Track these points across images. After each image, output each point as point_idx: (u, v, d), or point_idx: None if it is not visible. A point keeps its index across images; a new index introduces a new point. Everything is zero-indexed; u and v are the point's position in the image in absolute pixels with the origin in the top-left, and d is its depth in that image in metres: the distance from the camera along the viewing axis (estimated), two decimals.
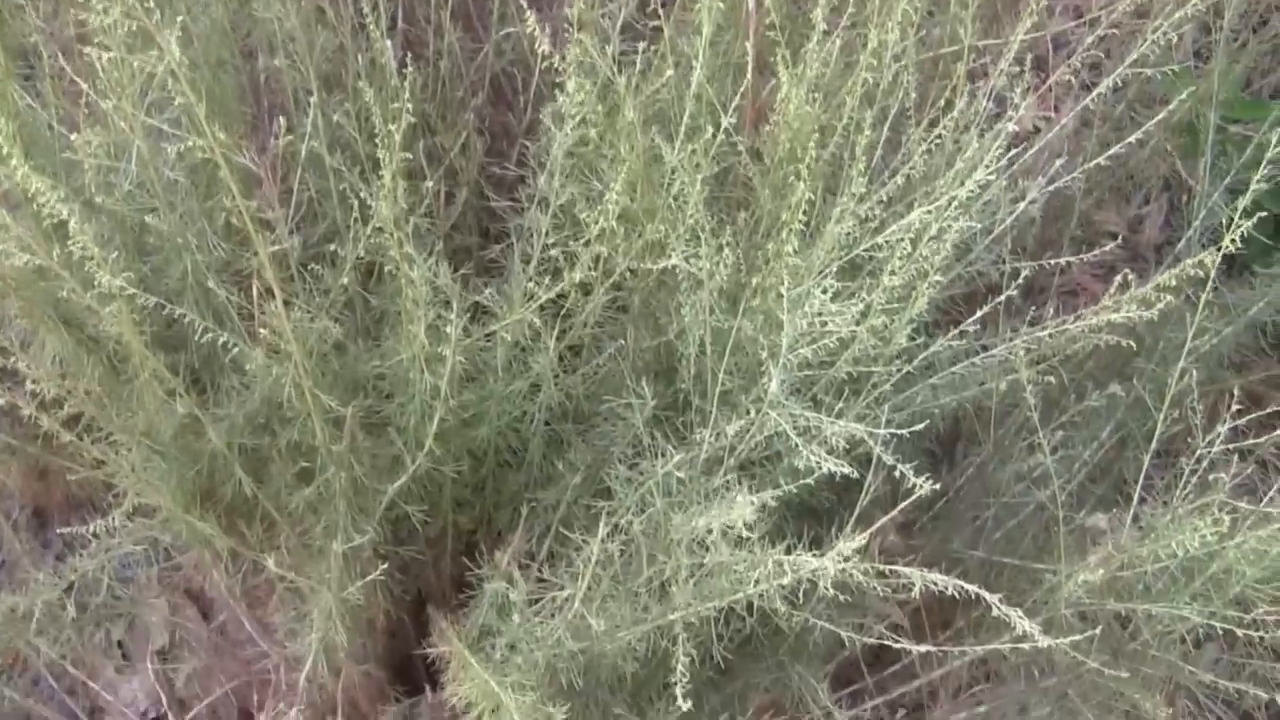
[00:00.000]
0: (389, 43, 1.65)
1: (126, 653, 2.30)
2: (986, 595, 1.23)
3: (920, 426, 1.42)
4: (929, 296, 1.44)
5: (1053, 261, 1.70)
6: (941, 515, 2.00)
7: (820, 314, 1.36)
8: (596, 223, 1.44)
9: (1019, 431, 1.94)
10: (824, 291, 1.35)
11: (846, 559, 1.26)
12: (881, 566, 1.31)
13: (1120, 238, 1.95)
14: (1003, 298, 1.52)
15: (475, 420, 1.63)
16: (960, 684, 1.95)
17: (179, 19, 1.32)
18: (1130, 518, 1.63)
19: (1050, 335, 1.58)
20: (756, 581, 1.34)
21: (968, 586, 1.25)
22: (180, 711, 2.12)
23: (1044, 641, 1.27)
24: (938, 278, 1.42)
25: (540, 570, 1.60)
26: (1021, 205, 1.65)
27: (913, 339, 1.50)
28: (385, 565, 1.59)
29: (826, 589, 1.30)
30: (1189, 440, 1.61)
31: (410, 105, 1.34)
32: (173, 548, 2.15)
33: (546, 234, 1.58)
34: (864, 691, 1.98)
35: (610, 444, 1.62)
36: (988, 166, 1.42)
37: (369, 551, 1.63)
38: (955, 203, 1.44)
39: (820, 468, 1.35)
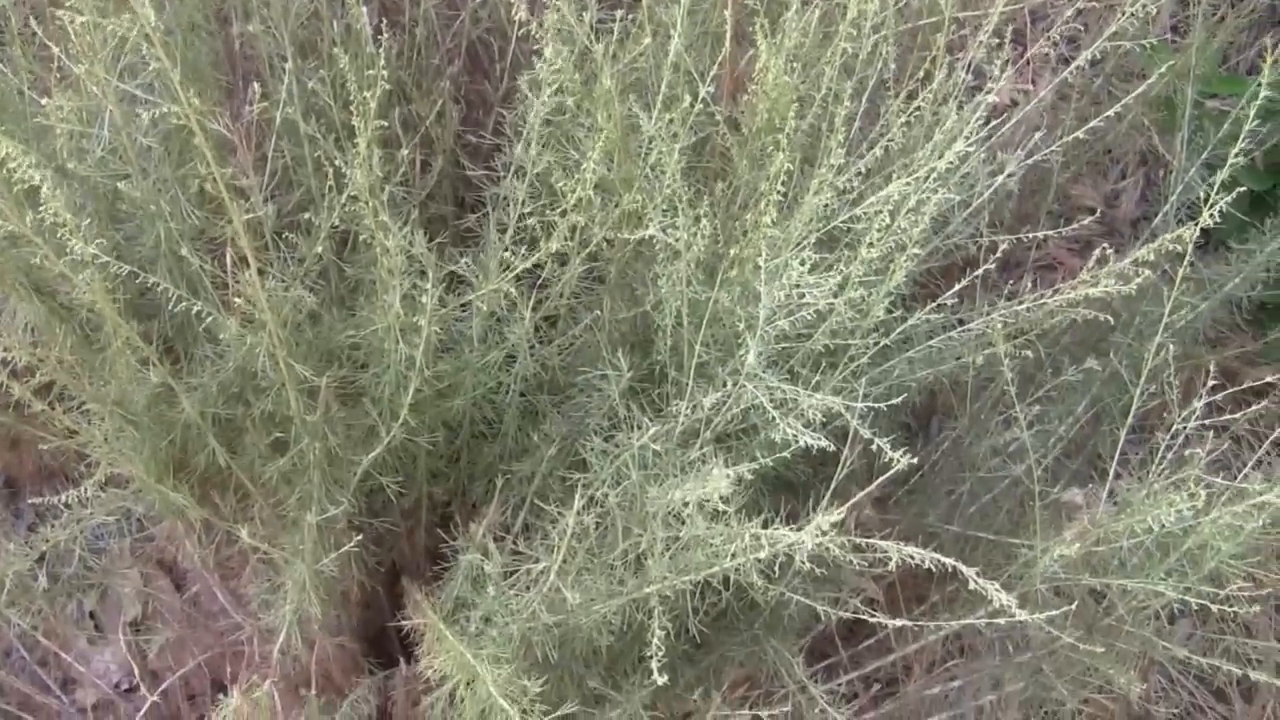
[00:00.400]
0: (364, 9, 1.64)
1: (99, 624, 2.30)
2: (963, 568, 1.23)
3: (897, 400, 1.42)
4: (907, 269, 1.43)
5: (1030, 235, 1.70)
6: (917, 490, 2.00)
7: (798, 286, 1.35)
8: (573, 192, 1.43)
9: (995, 406, 1.95)
10: (802, 263, 1.34)
11: (824, 533, 1.25)
12: (858, 540, 1.30)
13: (1097, 212, 1.95)
14: (980, 272, 1.51)
15: (450, 391, 1.62)
16: (934, 658, 1.96)
17: None
18: (1106, 493, 1.64)
19: (1027, 310, 1.58)
20: (732, 555, 1.34)
21: (945, 560, 1.24)
22: (153, 683, 2.11)
23: (1019, 616, 1.27)
24: (916, 250, 1.41)
25: (515, 543, 1.59)
26: (999, 178, 1.65)
27: (890, 312, 1.50)
28: (359, 537, 1.58)
29: (803, 563, 1.29)
30: (1164, 415, 1.62)
31: (385, 73, 1.33)
32: (145, 518, 2.13)
33: (523, 203, 1.57)
34: (838, 665, 1.99)
35: (586, 415, 1.62)
36: (966, 138, 1.41)
37: (343, 523, 1.62)
38: (934, 175, 1.43)
39: (797, 441, 1.34)
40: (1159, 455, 1.59)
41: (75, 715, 2.18)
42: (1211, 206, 1.43)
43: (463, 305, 1.55)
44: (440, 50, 1.99)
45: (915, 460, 1.29)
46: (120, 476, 1.65)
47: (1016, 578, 1.66)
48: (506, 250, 1.51)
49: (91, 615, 2.32)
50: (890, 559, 1.30)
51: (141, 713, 1.94)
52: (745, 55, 1.66)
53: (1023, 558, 1.65)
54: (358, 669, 1.89)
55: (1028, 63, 2.00)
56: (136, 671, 2.10)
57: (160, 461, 1.62)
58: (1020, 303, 1.59)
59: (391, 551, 1.88)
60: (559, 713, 1.44)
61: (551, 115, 1.55)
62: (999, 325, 1.58)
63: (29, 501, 2.34)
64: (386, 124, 1.41)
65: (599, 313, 1.65)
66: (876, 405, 1.38)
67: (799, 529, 1.28)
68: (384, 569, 1.88)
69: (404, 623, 1.69)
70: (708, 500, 1.33)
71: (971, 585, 1.26)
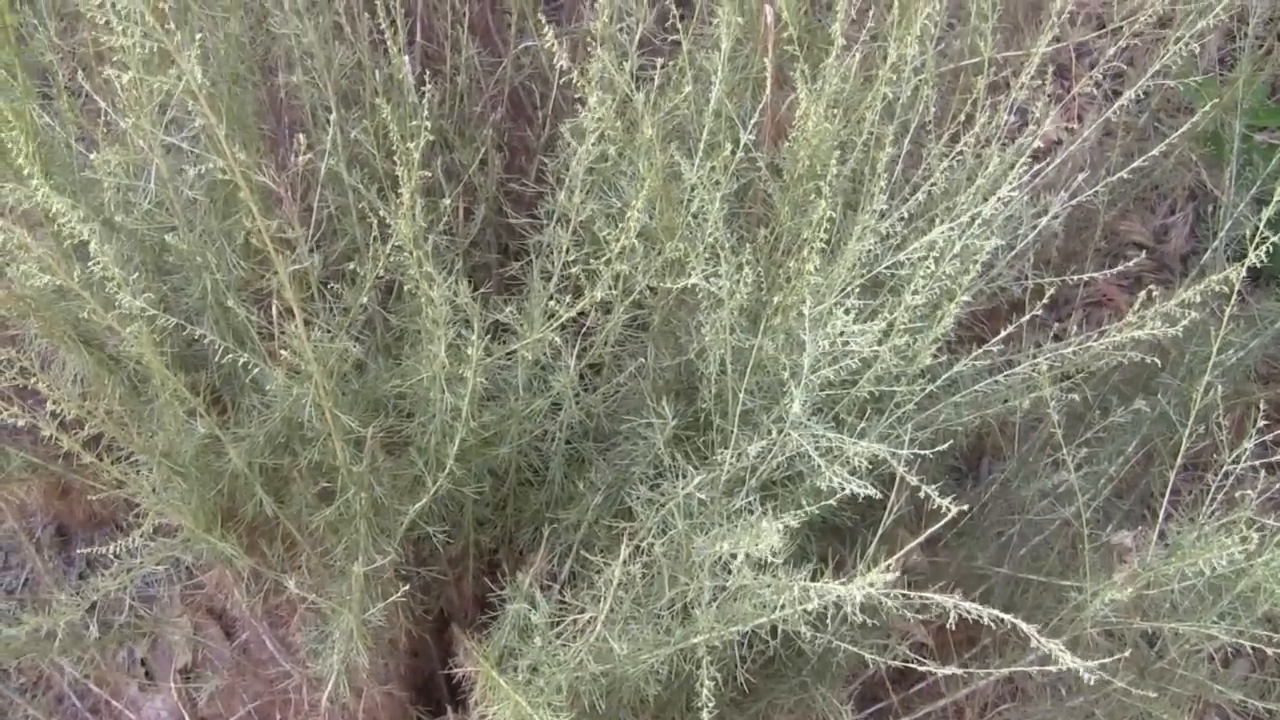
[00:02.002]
0: (406, 58, 1.65)
1: (150, 671, 2.30)
2: (1021, 624, 1.21)
3: (944, 447, 1.41)
4: (954, 316, 1.42)
5: (1076, 277, 1.69)
6: (966, 532, 1.98)
7: (842, 334, 1.35)
8: (617, 241, 1.43)
9: (1043, 447, 1.93)
10: (846, 311, 1.34)
11: (872, 585, 1.24)
12: (909, 594, 1.29)
13: (1144, 250, 1.93)
14: (1026, 318, 1.50)
15: (496, 439, 1.62)
16: (986, 702, 1.94)
17: (197, 36, 1.31)
18: (1156, 535, 1.62)
19: (1074, 353, 1.57)
20: (780, 606, 1.33)
21: (1000, 615, 1.23)
22: None
23: (1070, 664, 1.25)
24: (966, 298, 1.41)
25: (562, 593, 1.59)
26: (1044, 220, 1.64)
27: (935, 357, 1.49)
28: (406, 587, 1.58)
29: (853, 614, 1.28)
30: (1215, 456, 1.60)
31: (429, 124, 1.33)
32: (195, 566, 2.15)
33: (566, 251, 1.57)
34: (889, 710, 1.97)
35: (631, 463, 1.61)
36: (1011, 184, 1.40)
37: (390, 572, 1.63)
38: (979, 221, 1.43)
39: (843, 489, 1.34)
40: (1209, 496, 1.58)
41: None
42: (1258, 246, 1.41)
43: (508, 354, 1.55)
44: (482, 97, 2.00)
45: (965, 506, 1.28)
46: (169, 525, 1.66)
47: (1068, 621, 1.64)
48: (551, 299, 1.51)
49: (143, 662, 2.33)
50: (946, 610, 1.29)
51: None
52: (786, 100, 1.66)
53: (1073, 601, 1.64)
54: (406, 717, 1.89)
55: (1073, 99, 1.99)
56: (187, 719, 2.11)
57: (208, 511, 1.63)
58: (1067, 345, 1.57)
59: (439, 599, 1.88)
60: None
61: (594, 163, 1.55)
62: (1045, 369, 1.56)
63: (79, 551, 2.35)
64: (430, 174, 1.41)
65: (643, 360, 1.65)
66: (923, 452, 1.38)
67: (847, 580, 1.27)
68: (432, 616, 1.88)
69: (454, 670, 1.69)
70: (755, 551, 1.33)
71: (1032, 621, 1.25)
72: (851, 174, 1.60)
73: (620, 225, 1.43)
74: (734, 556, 1.36)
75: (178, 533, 1.69)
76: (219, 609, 2.24)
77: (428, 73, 1.61)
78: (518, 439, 1.63)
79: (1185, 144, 2.26)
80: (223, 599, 2.05)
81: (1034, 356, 1.60)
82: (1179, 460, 1.60)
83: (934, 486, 1.28)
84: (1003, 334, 1.50)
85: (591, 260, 1.51)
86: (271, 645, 1.98)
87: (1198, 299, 1.46)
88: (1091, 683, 1.39)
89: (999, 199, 1.40)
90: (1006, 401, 1.64)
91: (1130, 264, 1.74)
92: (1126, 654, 1.43)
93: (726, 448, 1.48)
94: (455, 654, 1.74)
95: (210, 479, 1.62)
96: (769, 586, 1.34)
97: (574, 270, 1.53)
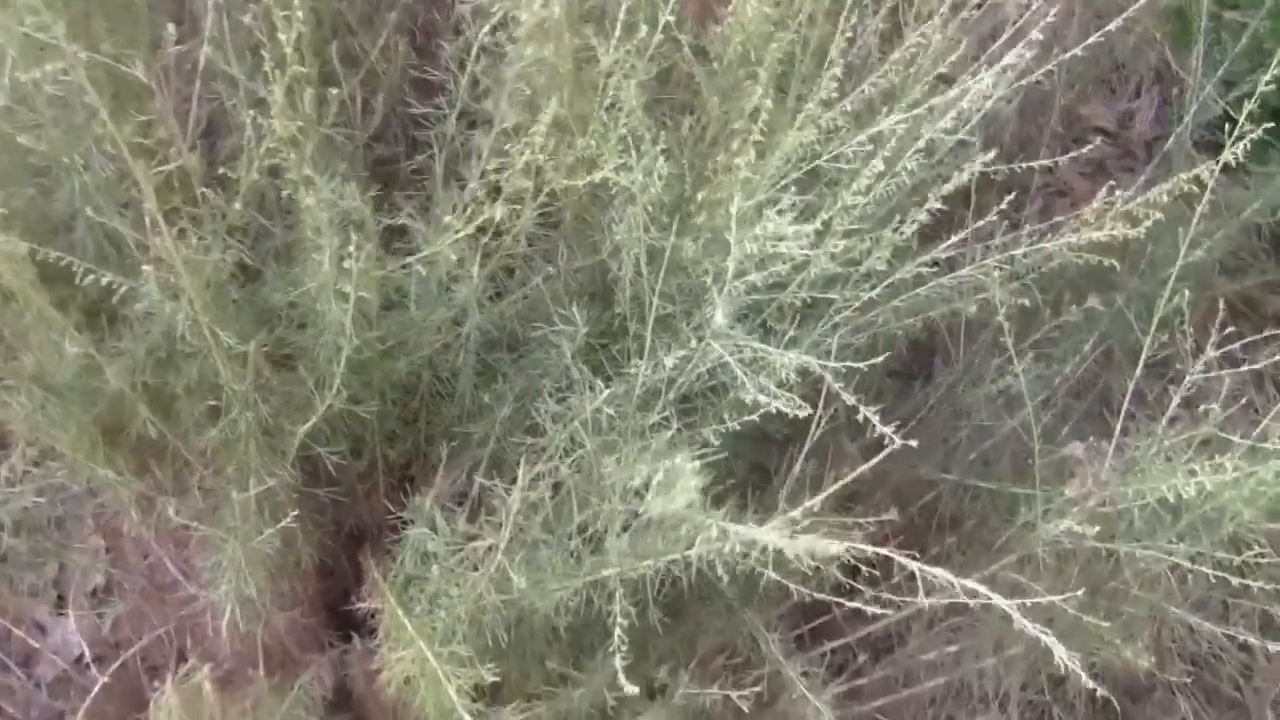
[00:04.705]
0: None
1: (62, 596, 2.19)
2: (934, 571, 1.09)
3: (879, 360, 1.29)
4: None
5: (1024, 166, 1.55)
6: (911, 436, 1.87)
7: (775, 235, 1.21)
8: (528, 145, 1.28)
9: (993, 347, 1.81)
10: (780, 211, 1.21)
11: (795, 523, 1.12)
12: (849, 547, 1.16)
13: (1108, 134, 1.81)
14: (969, 230, 1.36)
15: (395, 351, 1.49)
16: (933, 618, 1.83)
17: None
18: (1113, 446, 1.50)
19: (1025, 254, 1.44)
20: (693, 545, 1.20)
21: (921, 564, 1.11)
22: (114, 655, 2.01)
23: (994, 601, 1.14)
24: (922, 213, 1.28)
25: (472, 516, 1.46)
26: (988, 103, 1.48)
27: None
28: (295, 513, 1.45)
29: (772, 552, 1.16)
30: (1178, 364, 1.48)
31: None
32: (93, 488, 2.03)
33: (485, 158, 1.42)
34: (831, 626, 1.86)
35: (542, 374, 1.49)
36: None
37: (283, 495, 1.50)
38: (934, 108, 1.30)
39: (767, 404, 1.22)
40: (1169, 408, 1.46)
41: (34, 691, 2.08)
42: (1236, 140, 1.29)
43: (404, 265, 1.42)
44: None
45: (908, 407, 1.18)
46: (53, 449, 1.54)
47: (1017, 540, 1.54)
48: (459, 210, 1.36)
49: (56, 583, 2.21)
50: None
51: (97, 688, 1.84)
52: None
53: (1022, 518, 1.53)
54: (315, 642, 1.78)
55: None
56: (85, 648, 2.00)
57: (89, 435, 1.50)
58: (1017, 247, 1.44)
59: (349, 514, 1.75)
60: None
61: (491, 44, 1.41)
62: (995, 273, 1.43)
63: None
64: (314, 63, 1.27)
65: (553, 266, 1.52)
66: (858, 365, 1.25)
67: (767, 517, 1.15)
68: (342, 536, 1.76)
69: (360, 606, 1.57)
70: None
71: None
72: (784, 56, 1.46)
73: (534, 125, 1.28)
74: (647, 489, 1.23)
75: (61, 457, 1.57)
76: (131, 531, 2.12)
77: None
78: (420, 351, 1.50)
79: (1149, 22, 2.13)
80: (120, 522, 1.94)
81: (983, 255, 1.48)
82: (1138, 369, 1.48)
83: (874, 408, 1.16)
84: (954, 239, 1.37)
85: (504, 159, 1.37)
86: (174, 569, 1.87)
87: (1165, 199, 1.34)
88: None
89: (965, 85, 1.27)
90: (951, 304, 1.51)
91: (1089, 149, 1.61)
92: (1075, 593, 1.31)
93: (642, 357, 1.35)
94: (366, 580, 1.63)
95: (90, 400, 1.48)
96: (684, 524, 1.20)
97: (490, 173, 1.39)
